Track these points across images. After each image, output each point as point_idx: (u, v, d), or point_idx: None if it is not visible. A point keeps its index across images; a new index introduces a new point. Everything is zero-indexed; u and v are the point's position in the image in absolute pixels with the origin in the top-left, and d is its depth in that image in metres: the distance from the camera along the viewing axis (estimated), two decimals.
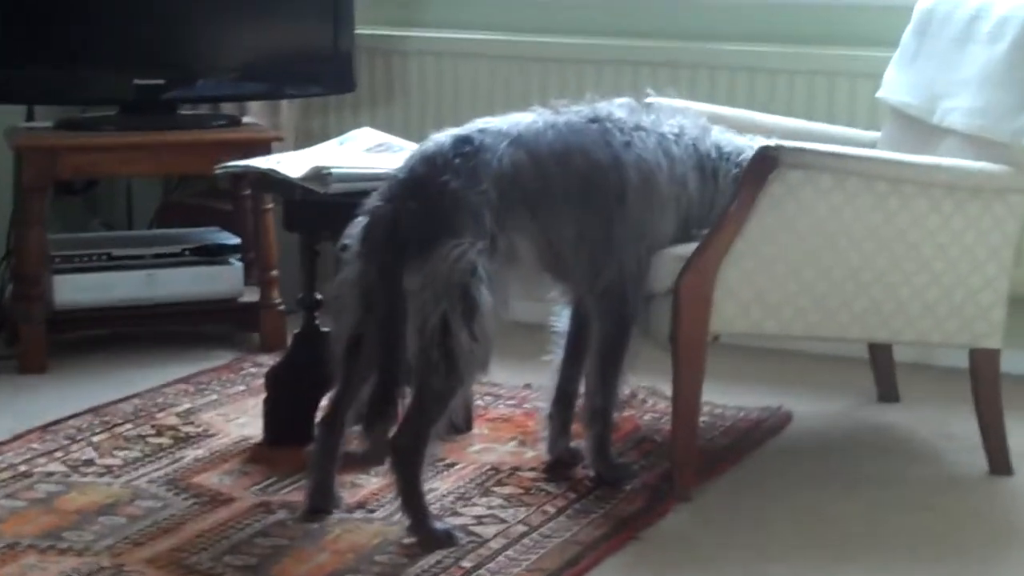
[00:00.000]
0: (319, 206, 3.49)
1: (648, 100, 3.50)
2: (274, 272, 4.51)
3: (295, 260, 3.75)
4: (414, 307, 2.99)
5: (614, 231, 3.24)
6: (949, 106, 3.63)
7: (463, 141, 3.10)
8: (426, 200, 3.02)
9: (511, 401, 3.94)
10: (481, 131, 3.14)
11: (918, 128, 3.75)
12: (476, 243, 3.00)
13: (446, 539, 3.06)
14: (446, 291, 2.97)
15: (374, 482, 3.39)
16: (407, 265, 2.99)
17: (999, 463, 3.52)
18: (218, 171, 3.86)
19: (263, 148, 4.29)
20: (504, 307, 3.09)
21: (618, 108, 3.36)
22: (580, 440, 3.53)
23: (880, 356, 4.01)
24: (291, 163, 3.56)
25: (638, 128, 3.31)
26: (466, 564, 2.99)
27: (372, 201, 3.09)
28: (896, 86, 3.89)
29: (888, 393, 4.03)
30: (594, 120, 3.29)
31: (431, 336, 2.98)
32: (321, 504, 3.22)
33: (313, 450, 3.26)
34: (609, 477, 3.38)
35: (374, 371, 3.04)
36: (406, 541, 3.07)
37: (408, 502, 3.07)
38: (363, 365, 3.12)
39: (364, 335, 3.09)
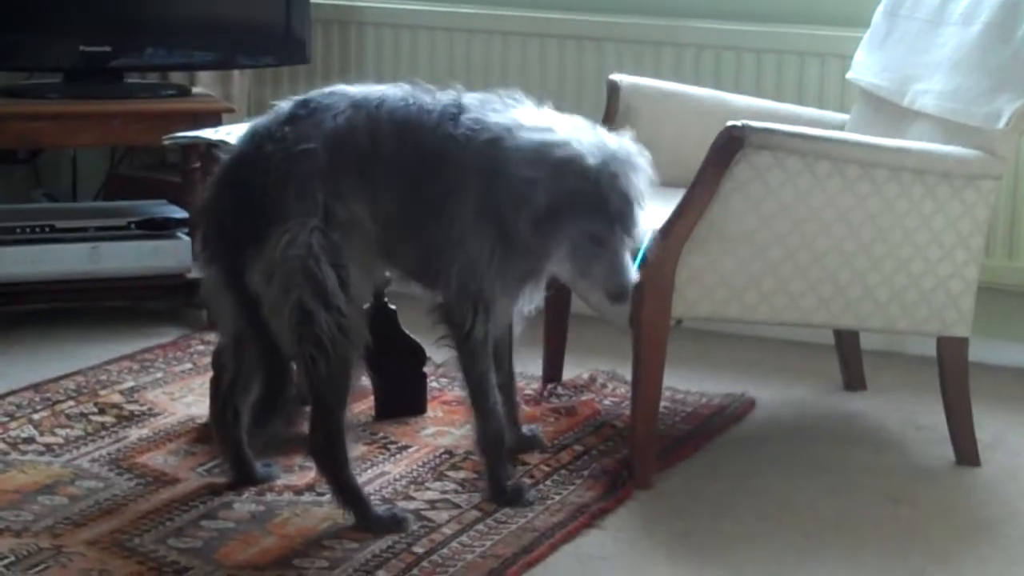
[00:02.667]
0: None
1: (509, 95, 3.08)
2: None
3: None
4: (268, 303, 2.90)
5: (438, 228, 2.99)
6: (920, 88, 3.56)
7: (302, 104, 2.97)
8: (249, 187, 2.91)
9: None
10: (329, 94, 3.01)
11: (888, 110, 3.68)
12: (307, 222, 2.88)
13: (393, 524, 2.96)
14: (289, 279, 2.86)
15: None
16: (247, 263, 2.89)
17: (967, 454, 3.46)
18: (167, 142, 3.80)
19: (213, 119, 4.20)
20: (367, 275, 3.00)
21: (475, 99, 3.02)
22: (531, 424, 3.45)
23: (847, 343, 3.94)
24: None
25: (479, 123, 2.97)
26: (418, 550, 2.90)
27: (206, 191, 3.01)
28: (866, 67, 3.81)
29: (854, 381, 3.95)
30: (448, 107, 3.00)
31: (294, 327, 2.89)
32: (240, 477, 3.19)
33: (216, 441, 3.24)
34: (503, 504, 3.11)
35: (259, 370, 3.00)
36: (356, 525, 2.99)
37: (342, 497, 2.99)
38: (249, 362, 3.05)
39: (243, 333, 3.01)
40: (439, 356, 3.33)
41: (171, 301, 4.49)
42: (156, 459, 3.32)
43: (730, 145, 3.22)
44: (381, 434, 3.47)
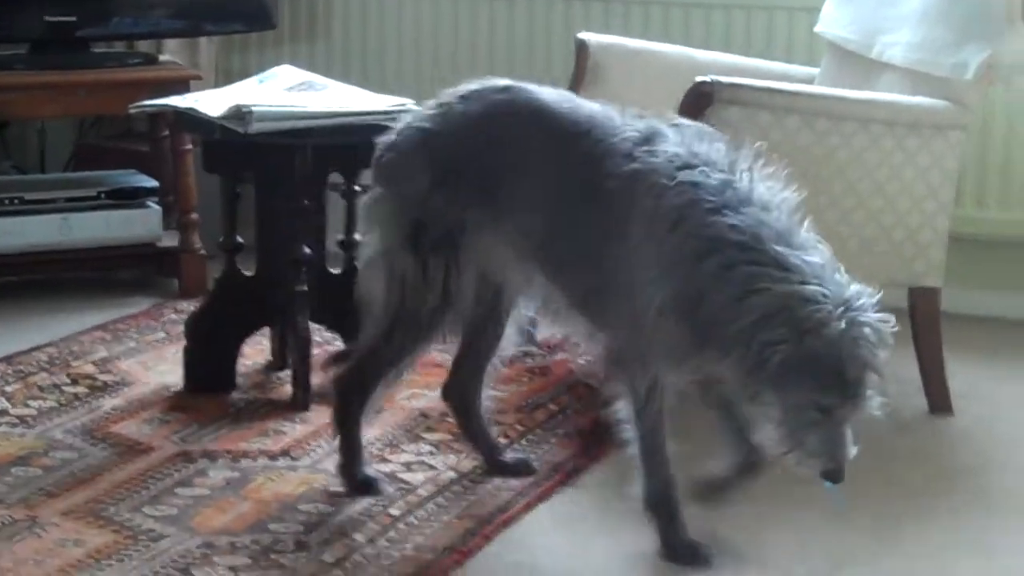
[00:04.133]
0: (240, 146, 3.38)
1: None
2: (194, 215, 4.38)
3: (215, 203, 3.63)
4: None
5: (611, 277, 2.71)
6: (888, 41, 3.55)
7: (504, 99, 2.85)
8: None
9: (440, 347, 3.83)
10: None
11: (857, 63, 3.67)
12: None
13: (373, 487, 2.96)
14: None
15: (298, 430, 3.29)
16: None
17: (940, 403, 3.47)
18: (134, 111, 3.77)
19: (181, 87, 4.16)
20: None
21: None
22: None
23: None
24: (210, 102, 3.44)
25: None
26: (394, 512, 2.90)
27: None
28: (834, 20, 3.81)
29: None
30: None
31: None
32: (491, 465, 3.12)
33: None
34: (678, 563, 2.77)
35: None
36: (332, 489, 2.98)
37: (340, 432, 2.97)
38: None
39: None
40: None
41: (142, 270, 4.47)
42: (130, 428, 3.31)
43: (699, 101, 3.22)
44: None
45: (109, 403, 3.46)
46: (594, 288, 2.73)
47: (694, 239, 2.57)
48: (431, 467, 3.11)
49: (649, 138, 2.68)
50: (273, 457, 3.15)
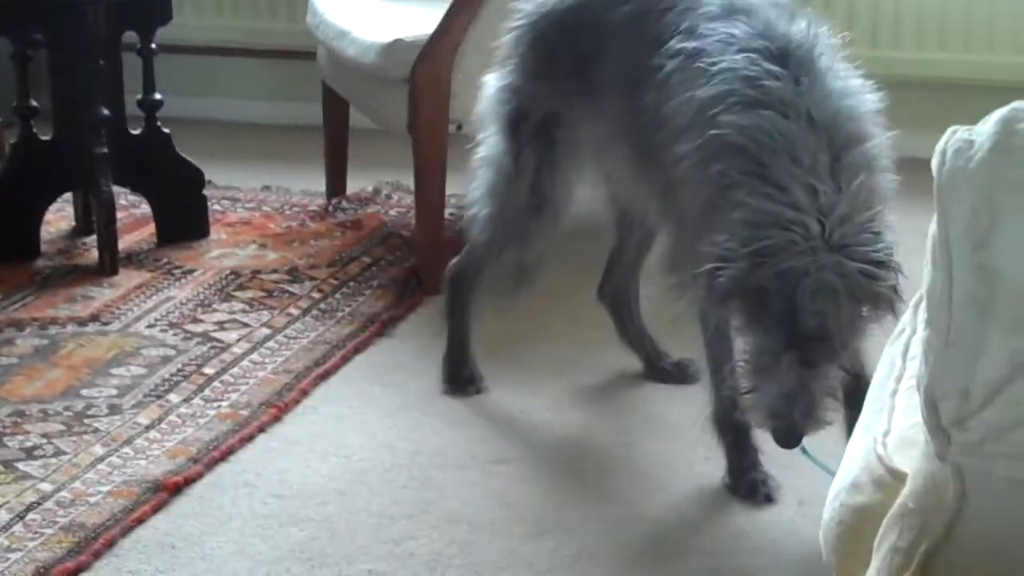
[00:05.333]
0: (28, 5, 3.29)
1: None
2: None
3: (6, 66, 3.52)
4: None
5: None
6: None
7: None
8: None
9: (249, 204, 3.79)
10: None
11: None
12: None
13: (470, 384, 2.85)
14: None
15: (107, 294, 3.23)
16: None
17: None
18: None
19: None
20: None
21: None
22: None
23: None
24: None
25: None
26: (208, 371, 2.87)
27: None
28: None
29: None
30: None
31: None
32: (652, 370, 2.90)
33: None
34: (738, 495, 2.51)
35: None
36: (145, 352, 2.94)
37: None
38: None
39: None
40: None
41: None
42: None
43: None
44: (164, 260, 3.40)
45: None
46: (661, 183, 2.46)
47: (709, 139, 2.26)
48: (244, 325, 3.08)
49: (725, 13, 2.36)
50: (82, 323, 3.09)
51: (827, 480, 1.64)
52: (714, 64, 2.30)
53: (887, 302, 2.16)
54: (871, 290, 2.15)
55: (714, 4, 2.39)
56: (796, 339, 2.15)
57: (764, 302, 2.16)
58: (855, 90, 2.31)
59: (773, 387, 2.19)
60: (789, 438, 2.22)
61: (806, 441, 2.24)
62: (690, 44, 2.35)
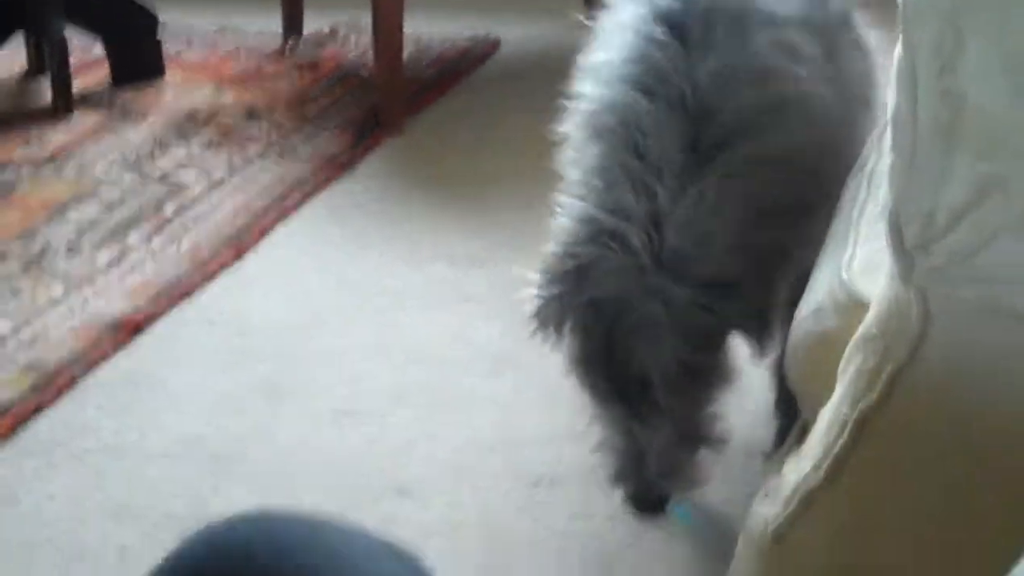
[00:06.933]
0: None
1: None
2: None
3: None
4: None
5: None
6: None
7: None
8: None
9: (204, 45, 3.73)
10: None
11: None
12: None
13: None
14: None
15: (62, 135, 3.19)
16: None
17: None
18: None
19: None
20: None
21: None
22: None
23: None
24: None
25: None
26: (167, 211, 2.85)
27: None
28: None
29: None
30: None
31: None
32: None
33: None
34: None
35: None
36: (101, 194, 2.92)
37: None
38: None
39: None
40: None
41: None
42: None
43: None
44: (119, 101, 3.36)
45: None
46: None
47: (571, 114, 1.91)
48: (202, 166, 3.05)
49: None
50: (38, 164, 3.06)
51: None
52: (609, 26, 1.83)
53: (719, 336, 1.67)
54: (705, 325, 1.64)
55: None
56: (618, 388, 1.70)
57: (581, 338, 1.70)
58: (777, 71, 1.71)
59: (612, 445, 1.78)
60: (642, 505, 1.81)
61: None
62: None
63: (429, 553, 2.01)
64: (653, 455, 1.72)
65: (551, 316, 1.69)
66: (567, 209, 1.71)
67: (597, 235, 1.64)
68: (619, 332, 1.64)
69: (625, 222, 1.62)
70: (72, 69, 3.32)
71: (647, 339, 1.63)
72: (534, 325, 1.71)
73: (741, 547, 1.40)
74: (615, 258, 1.63)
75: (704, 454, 1.76)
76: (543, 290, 1.69)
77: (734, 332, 1.68)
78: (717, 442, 1.75)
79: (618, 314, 1.63)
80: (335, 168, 3.06)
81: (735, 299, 1.63)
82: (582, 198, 1.69)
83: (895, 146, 1.27)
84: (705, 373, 1.68)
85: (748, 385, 1.89)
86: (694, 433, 1.74)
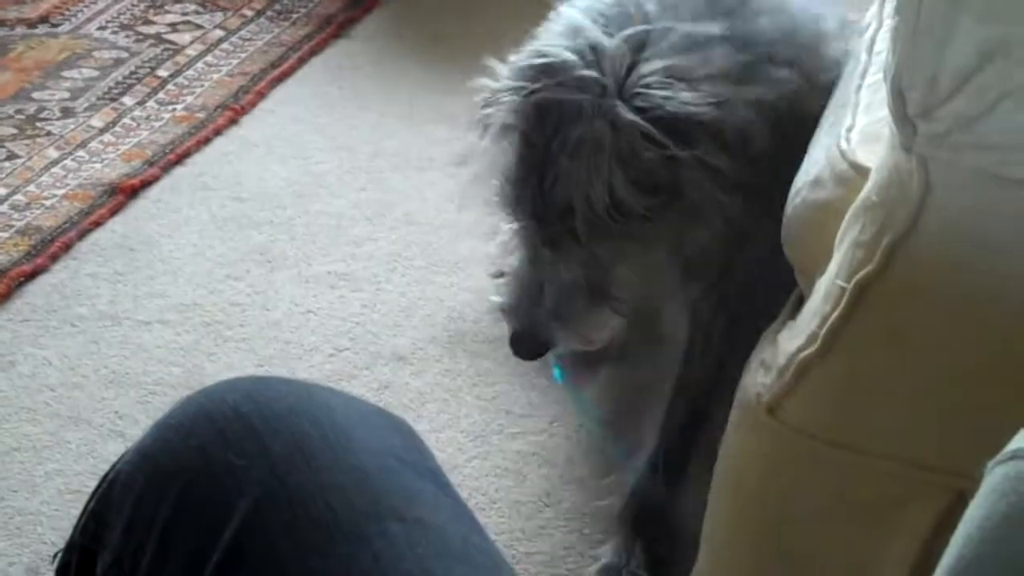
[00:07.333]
0: None
1: None
2: None
3: None
4: None
5: None
6: None
7: None
8: None
9: None
10: None
11: None
12: None
13: None
14: None
15: None
16: None
17: None
18: None
19: None
20: None
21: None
22: None
23: None
24: None
25: None
26: (162, 73, 2.82)
27: None
28: None
29: None
30: None
31: None
32: None
33: None
34: None
35: None
36: (96, 54, 2.87)
37: None
38: None
39: None
40: None
41: None
42: None
43: None
44: None
45: None
46: None
47: None
48: (197, 26, 3.01)
49: None
50: (31, 24, 3.01)
51: None
52: None
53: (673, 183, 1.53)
54: (649, 161, 1.52)
55: None
56: (540, 209, 1.57)
57: (520, 144, 1.58)
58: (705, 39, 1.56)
59: (516, 273, 1.66)
60: (520, 345, 1.66)
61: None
62: None
63: (425, 419, 2.01)
64: (553, 291, 1.60)
65: (501, 109, 1.59)
66: (558, 17, 1.62)
67: (577, 42, 1.55)
68: (558, 143, 1.52)
69: (608, 38, 1.54)
70: None
71: (586, 158, 1.51)
72: (482, 116, 1.61)
73: (734, 418, 1.38)
74: (583, 68, 1.53)
75: (605, 313, 1.63)
76: (502, 81, 1.61)
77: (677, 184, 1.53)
78: (621, 303, 1.63)
79: (564, 123, 1.52)
80: (333, 29, 3.01)
81: (691, 145, 1.50)
82: (581, 11, 1.60)
83: (899, 9, 1.23)
84: (631, 218, 1.54)
85: None
86: (600, 283, 1.61)
